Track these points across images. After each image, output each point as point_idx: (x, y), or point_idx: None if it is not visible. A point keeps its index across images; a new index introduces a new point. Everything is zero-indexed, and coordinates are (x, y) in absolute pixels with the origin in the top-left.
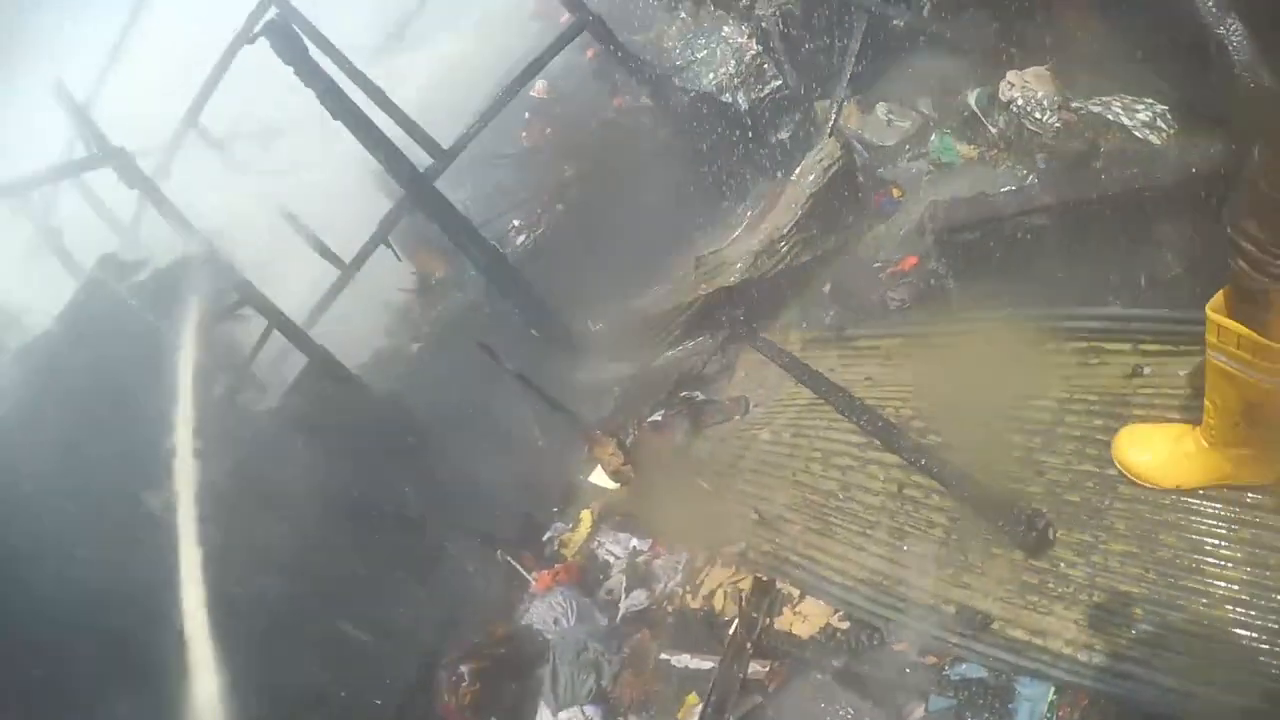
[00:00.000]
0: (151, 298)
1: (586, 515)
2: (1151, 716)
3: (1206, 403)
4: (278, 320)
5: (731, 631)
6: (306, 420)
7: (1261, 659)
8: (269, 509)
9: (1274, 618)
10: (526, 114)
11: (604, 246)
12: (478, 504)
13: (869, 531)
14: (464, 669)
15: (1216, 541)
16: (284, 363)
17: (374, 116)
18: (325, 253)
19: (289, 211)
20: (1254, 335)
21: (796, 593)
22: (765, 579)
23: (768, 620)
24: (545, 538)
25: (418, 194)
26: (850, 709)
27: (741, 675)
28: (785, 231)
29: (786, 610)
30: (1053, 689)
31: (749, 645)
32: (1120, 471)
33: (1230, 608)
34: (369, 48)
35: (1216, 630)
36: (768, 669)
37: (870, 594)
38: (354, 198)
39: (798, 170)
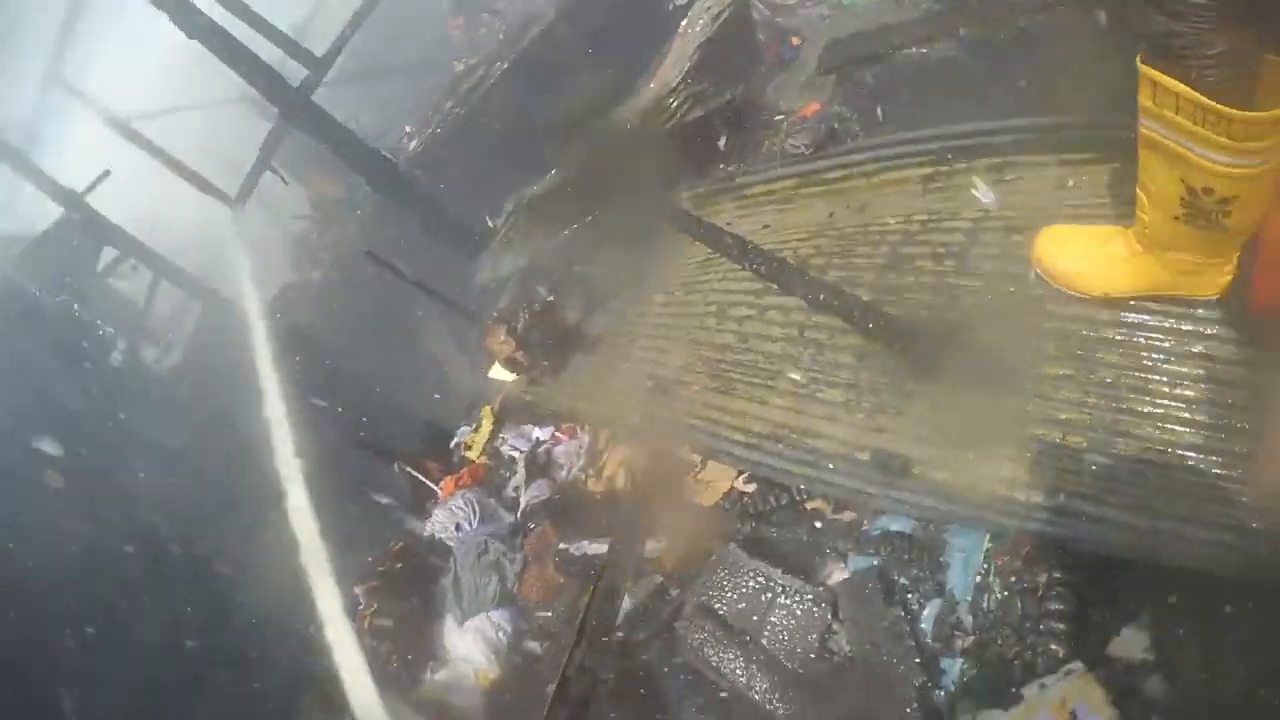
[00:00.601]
0: (30, 268)
1: (487, 412)
2: (1105, 557)
3: (1139, 193)
4: (165, 270)
5: (623, 511)
6: (209, 367)
7: (1222, 485)
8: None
9: (1235, 439)
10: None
11: (498, 139)
12: (385, 422)
13: (771, 382)
14: (358, 591)
15: (1163, 357)
16: (186, 312)
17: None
18: (210, 189)
19: (169, 155)
20: (1198, 96)
21: (698, 459)
22: (662, 449)
23: (670, 492)
24: (452, 444)
25: (293, 109)
26: (761, 578)
27: (638, 555)
28: (674, 86)
29: (689, 479)
30: (987, 536)
31: (643, 521)
32: (1039, 276)
33: (1185, 430)
34: None
35: (1172, 457)
36: (664, 544)
37: (776, 450)
38: (236, 130)
39: (684, 21)
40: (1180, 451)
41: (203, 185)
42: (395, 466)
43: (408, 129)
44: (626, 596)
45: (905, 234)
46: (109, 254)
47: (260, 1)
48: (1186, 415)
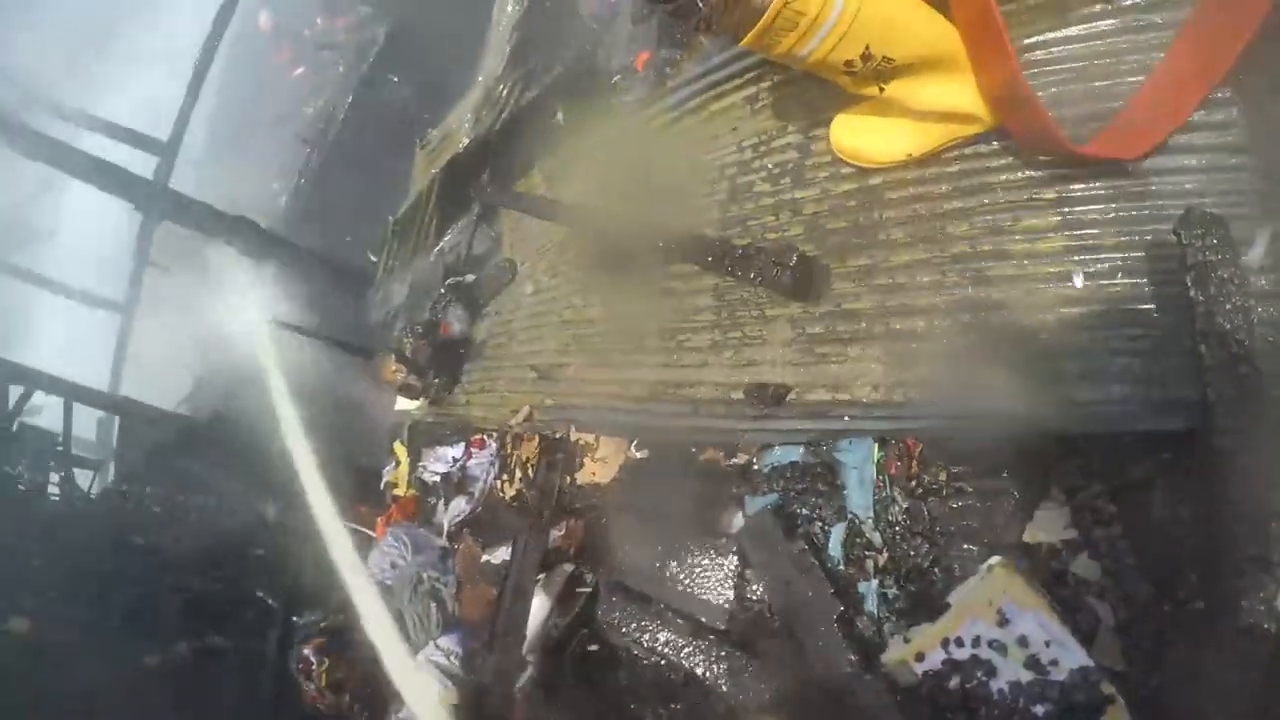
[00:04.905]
0: None
1: (398, 446)
2: (999, 440)
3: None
4: (74, 393)
5: (518, 507)
6: (141, 478)
7: (1107, 334)
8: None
9: (1111, 281)
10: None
11: (360, 172)
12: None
13: (642, 343)
14: (308, 652)
15: (1013, 215)
16: (108, 428)
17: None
18: (97, 301)
19: (55, 281)
20: None
21: (592, 438)
22: (553, 437)
23: (568, 479)
24: (382, 484)
25: (152, 202)
26: (660, 543)
27: (542, 548)
28: (500, 74)
29: (588, 461)
30: (875, 445)
31: (545, 514)
32: (835, 156)
33: (1056, 286)
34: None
35: (1046, 318)
36: (563, 531)
37: (658, 410)
38: (117, 237)
39: (495, 7)
40: (1054, 311)
41: (89, 300)
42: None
43: (275, 186)
44: (541, 592)
45: (740, 163)
46: (15, 392)
47: (98, 103)
48: (1051, 270)
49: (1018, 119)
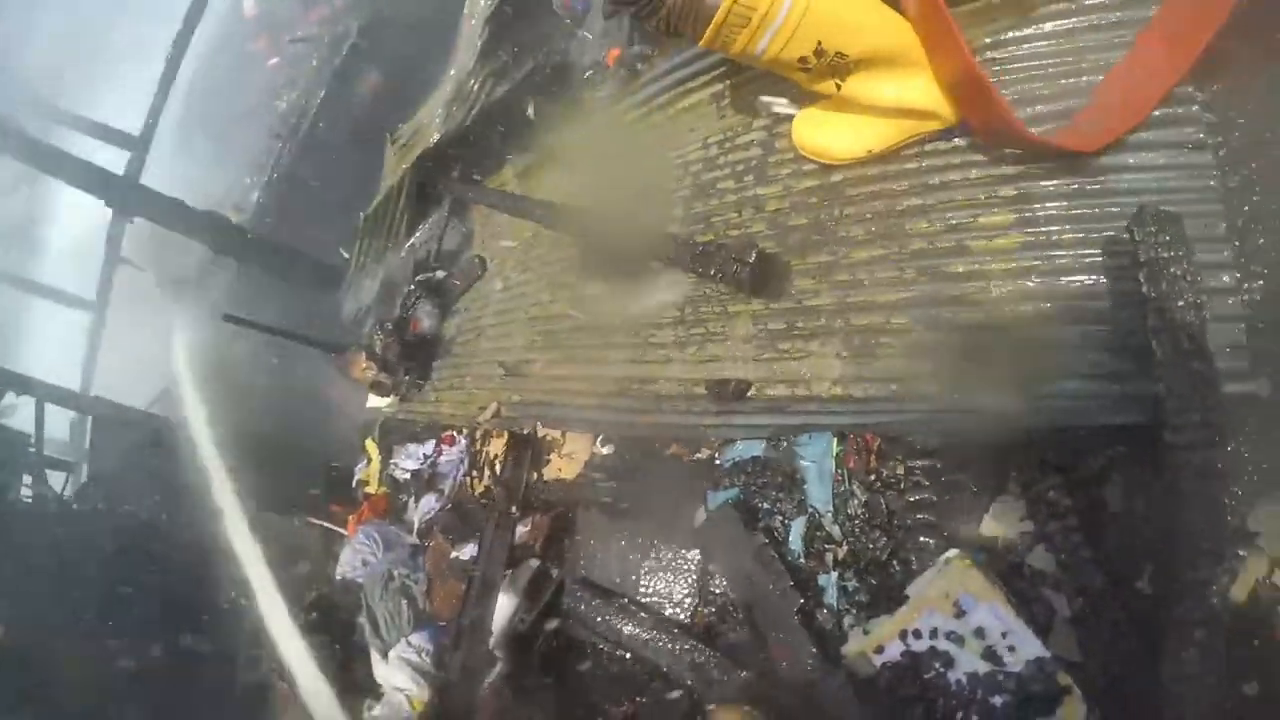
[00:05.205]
0: None
1: (369, 444)
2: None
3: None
4: (46, 394)
5: (486, 503)
6: (117, 479)
7: (1064, 330)
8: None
9: (1068, 278)
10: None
11: (332, 166)
12: (288, 480)
13: (608, 339)
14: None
15: (972, 212)
16: (79, 428)
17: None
18: (68, 299)
19: (26, 279)
20: None
21: (559, 434)
22: (520, 433)
23: (535, 475)
24: (354, 482)
25: (123, 198)
26: (625, 537)
27: (510, 544)
28: (471, 68)
29: (554, 457)
30: (834, 440)
31: (513, 510)
32: (798, 153)
33: (1013, 282)
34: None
35: (1009, 316)
36: (529, 526)
37: (623, 405)
38: (90, 236)
39: (466, 3)
40: (1012, 307)
41: (61, 298)
42: (296, 522)
43: (247, 180)
44: (508, 587)
45: (706, 160)
46: None
47: (69, 97)
48: (1008, 267)
49: (976, 110)
